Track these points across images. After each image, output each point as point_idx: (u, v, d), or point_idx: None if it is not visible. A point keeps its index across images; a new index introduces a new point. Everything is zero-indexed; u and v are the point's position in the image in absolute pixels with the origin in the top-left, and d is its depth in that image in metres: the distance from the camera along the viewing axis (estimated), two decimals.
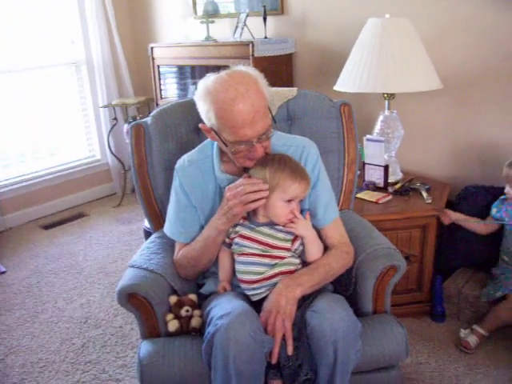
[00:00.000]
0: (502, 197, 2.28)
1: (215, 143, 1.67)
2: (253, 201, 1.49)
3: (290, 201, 1.53)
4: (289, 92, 2.02)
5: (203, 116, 1.54)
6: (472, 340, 2.14)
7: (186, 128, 1.96)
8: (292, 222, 1.55)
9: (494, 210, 2.29)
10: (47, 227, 3.78)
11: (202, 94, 1.51)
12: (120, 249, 3.35)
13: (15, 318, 2.63)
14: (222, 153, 1.66)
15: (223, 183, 1.63)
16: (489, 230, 2.32)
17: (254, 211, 1.58)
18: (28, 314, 2.66)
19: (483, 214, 2.34)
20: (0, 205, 3.66)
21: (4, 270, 3.13)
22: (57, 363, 2.26)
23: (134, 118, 3.77)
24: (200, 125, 1.58)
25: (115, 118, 4.01)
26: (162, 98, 3.67)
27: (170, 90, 3.73)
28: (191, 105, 1.95)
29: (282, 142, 1.67)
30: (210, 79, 1.51)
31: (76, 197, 4.15)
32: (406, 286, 2.39)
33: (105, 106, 4.01)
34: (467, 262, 2.46)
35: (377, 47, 2.35)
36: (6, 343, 2.42)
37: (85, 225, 3.80)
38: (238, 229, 1.59)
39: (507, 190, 2.22)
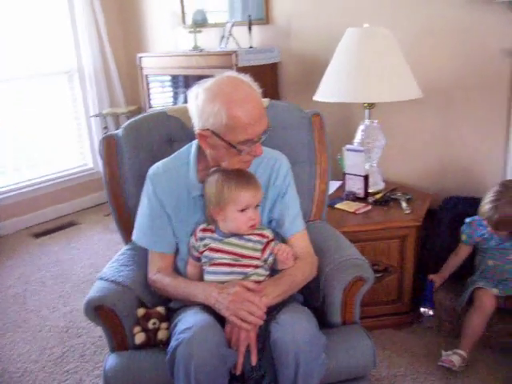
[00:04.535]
0: (468, 220, 2.26)
1: (192, 152, 1.66)
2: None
3: (244, 210, 1.54)
4: None
5: (208, 119, 1.48)
6: (456, 359, 2.05)
7: (157, 139, 1.95)
8: (252, 227, 1.56)
9: (464, 237, 2.26)
10: (38, 235, 3.79)
11: (207, 97, 1.48)
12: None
13: None
14: (198, 162, 1.66)
15: (195, 192, 1.64)
16: (463, 256, 2.31)
17: (217, 223, 1.58)
18: (11, 322, 2.67)
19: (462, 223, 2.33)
20: None
21: None
22: (35, 372, 2.26)
23: None
24: (198, 131, 1.53)
25: (106, 127, 4.03)
26: (150, 107, 3.68)
27: (159, 100, 3.75)
28: (163, 116, 1.99)
29: None
30: (207, 83, 1.50)
31: (68, 205, 4.17)
32: (385, 297, 2.37)
33: (95, 116, 4.04)
34: None
35: (354, 57, 2.36)
36: None
37: (76, 233, 3.81)
38: (206, 241, 1.59)
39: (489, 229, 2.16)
